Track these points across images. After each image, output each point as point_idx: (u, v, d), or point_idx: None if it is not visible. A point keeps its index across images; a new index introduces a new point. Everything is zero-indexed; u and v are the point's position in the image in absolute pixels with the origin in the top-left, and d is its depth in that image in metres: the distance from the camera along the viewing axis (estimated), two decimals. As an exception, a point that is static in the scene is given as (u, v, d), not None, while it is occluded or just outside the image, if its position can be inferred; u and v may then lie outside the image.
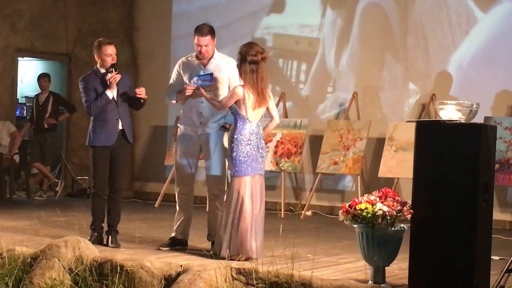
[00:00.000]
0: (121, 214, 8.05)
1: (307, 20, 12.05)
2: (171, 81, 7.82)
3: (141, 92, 7.87)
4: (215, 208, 7.52)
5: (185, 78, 7.64)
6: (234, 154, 7.09)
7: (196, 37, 7.55)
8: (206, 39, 7.54)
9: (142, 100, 7.95)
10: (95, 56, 8.00)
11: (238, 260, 6.65)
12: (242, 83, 7.15)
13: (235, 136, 7.11)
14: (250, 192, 7.08)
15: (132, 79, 8.02)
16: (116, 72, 7.84)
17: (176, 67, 7.77)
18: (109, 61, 7.90)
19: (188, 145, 7.69)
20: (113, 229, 7.93)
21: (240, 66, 7.14)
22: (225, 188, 7.61)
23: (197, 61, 7.64)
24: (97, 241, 7.69)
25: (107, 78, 7.83)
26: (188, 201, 7.77)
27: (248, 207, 7.05)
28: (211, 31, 7.58)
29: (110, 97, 7.83)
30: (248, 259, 6.89)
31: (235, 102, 7.09)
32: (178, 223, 7.74)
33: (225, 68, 7.63)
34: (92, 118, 7.97)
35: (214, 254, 7.17)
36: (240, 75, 7.16)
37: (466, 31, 10.81)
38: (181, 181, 7.75)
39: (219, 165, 7.62)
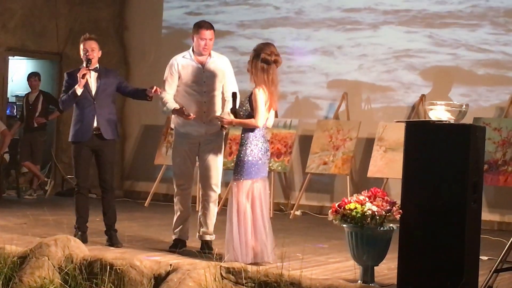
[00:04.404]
0: (116, 213, 8.05)
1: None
2: (167, 82, 7.67)
3: (152, 92, 7.79)
4: (207, 207, 7.57)
5: (186, 80, 7.61)
6: (247, 156, 6.90)
7: (199, 31, 7.55)
8: (210, 33, 7.58)
9: (148, 98, 7.94)
10: (80, 52, 8.07)
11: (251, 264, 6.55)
12: (255, 84, 6.94)
13: (249, 138, 6.95)
14: (259, 195, 6.92)
15: (122, 77, 8.03)
16: (87, 68, 7.84)
17: (174, 67, 7.66)
18: (85, 56, 7.93)
19: (189, 145, 7.65)
20: (112, 229, 7.94)
21: (252, 62, 6.93)
22: (219, 188, 7.63)
23: (195, 60, 7.63)
24: (82, 240, 7.53)
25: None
26: (188, 201, 7.74)
27: (257, 210, 6.90)
28: (212, 26, 7.65)
29: (79, 93, 7.83)
30: (261, 263, 6.79)
31: (250, 103, 6.92)
32: (180, 226, 7.70)
33: (221, 65, 7.66)
34: (73, 114, 8.00)
35: (204, 253, 7.19)
36: (251, 72, 6.94)
37: (456, 31, 10.86)
38: (182, 181, 7.69)
39: (218, 164, 7.63)
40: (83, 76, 7.83)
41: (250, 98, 6.92)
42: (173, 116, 7.76)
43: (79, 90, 7.83)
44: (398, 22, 11.27)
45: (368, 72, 11.45)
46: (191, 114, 7.46)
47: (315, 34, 11.86)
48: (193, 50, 7.67)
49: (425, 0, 11.10)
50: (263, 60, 6.89)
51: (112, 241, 7.84)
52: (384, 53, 11.35)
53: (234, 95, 7.14)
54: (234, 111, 7.05)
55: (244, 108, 6.96)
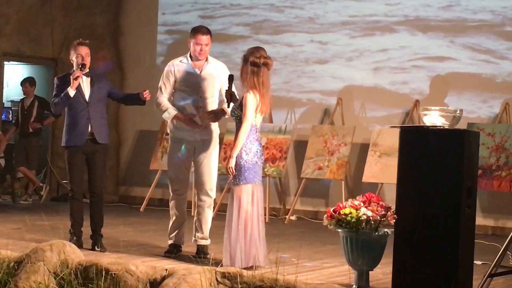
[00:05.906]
0: (103, 218, 8.07)
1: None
2: (163, 85, 7.69)
3: (144, 96, 7.89)
4: (202, 212, 7.59)
5: (182, 84, 7.63)
6: (242, 160, 6.87)
7: (196, 36, 7.57)
8: (206, 38, 7.59)
9: (142, 102, 8.01)
10: (70, 56, 8.09)
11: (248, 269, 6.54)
12: (246, 88, 6.93)
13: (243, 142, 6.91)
14: (257, 199, 6.93)
15: (117, 82, 8.05)
16: (80, 69, 7.85)
17: (170, 71, 7.69)
18: (79, 61, 7.95)
19: (185, 150, 7.68)
20: (98, 233, 7.95)
21: (242, 67, 6.95)
22: (214, 193, 7.64)
23: (192, 65, 7.65)
24: (77, 245, 7.48)
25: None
26: (183, 206, 7.76)
27: (254, 215, 6.89)
28: (210, 31, 7.67)
29: (71, 95, 7.85)
30: (256, 267, 6.78)
31: (240, 108, 6.91)
32: (175, 230, 7.72)
33: (218, 72, 7.67)
34: (65, 119, 8.02)
35: (199, 258, 7.19)
36: (241, 76, 6.95)
37: (449, 37, 10.90)
38: (177, 186, 7.72)
39: (213, 169, 7.65)
40: (76, 78, 7.84)
41: (241, 103, 6.94)
42: (168, 121, 7.79)
43: (71, 92, 7.85)
44: (395, 28, 11.30)
45: (363, 77, 11.47)
46: (199, 122, 7.50)
47: (314, 39, 11.88)
48: (190, 55, 7.69)
49: (422, 6, 11.15)
50: (252, 64, 6.89)
51: (97, 245, 7.85)
52: (379, 58, 11.37)
53: (230, 77, 7.15)
54: (230, 93, 7.07)
55: (235, 113, 6.96)
